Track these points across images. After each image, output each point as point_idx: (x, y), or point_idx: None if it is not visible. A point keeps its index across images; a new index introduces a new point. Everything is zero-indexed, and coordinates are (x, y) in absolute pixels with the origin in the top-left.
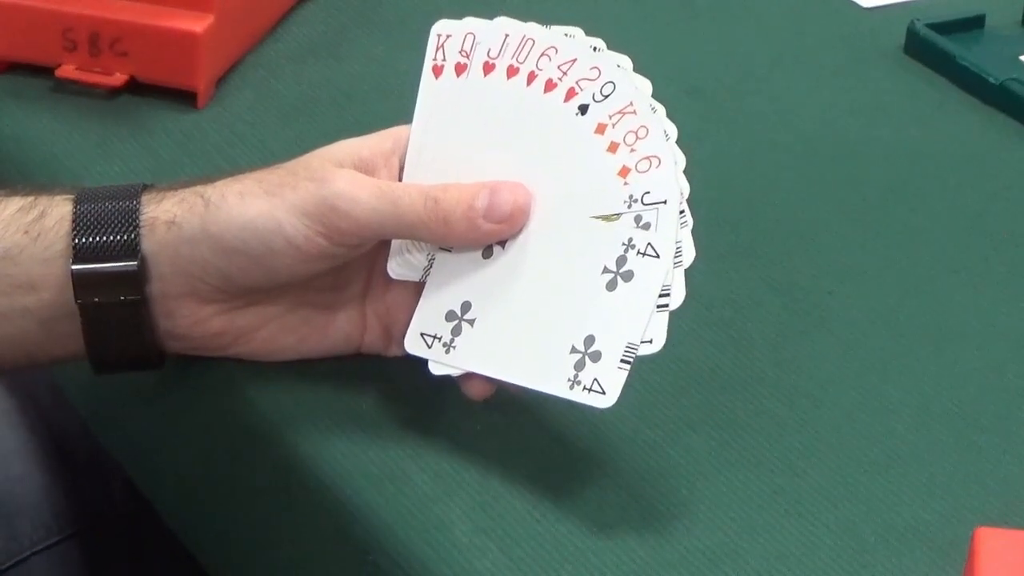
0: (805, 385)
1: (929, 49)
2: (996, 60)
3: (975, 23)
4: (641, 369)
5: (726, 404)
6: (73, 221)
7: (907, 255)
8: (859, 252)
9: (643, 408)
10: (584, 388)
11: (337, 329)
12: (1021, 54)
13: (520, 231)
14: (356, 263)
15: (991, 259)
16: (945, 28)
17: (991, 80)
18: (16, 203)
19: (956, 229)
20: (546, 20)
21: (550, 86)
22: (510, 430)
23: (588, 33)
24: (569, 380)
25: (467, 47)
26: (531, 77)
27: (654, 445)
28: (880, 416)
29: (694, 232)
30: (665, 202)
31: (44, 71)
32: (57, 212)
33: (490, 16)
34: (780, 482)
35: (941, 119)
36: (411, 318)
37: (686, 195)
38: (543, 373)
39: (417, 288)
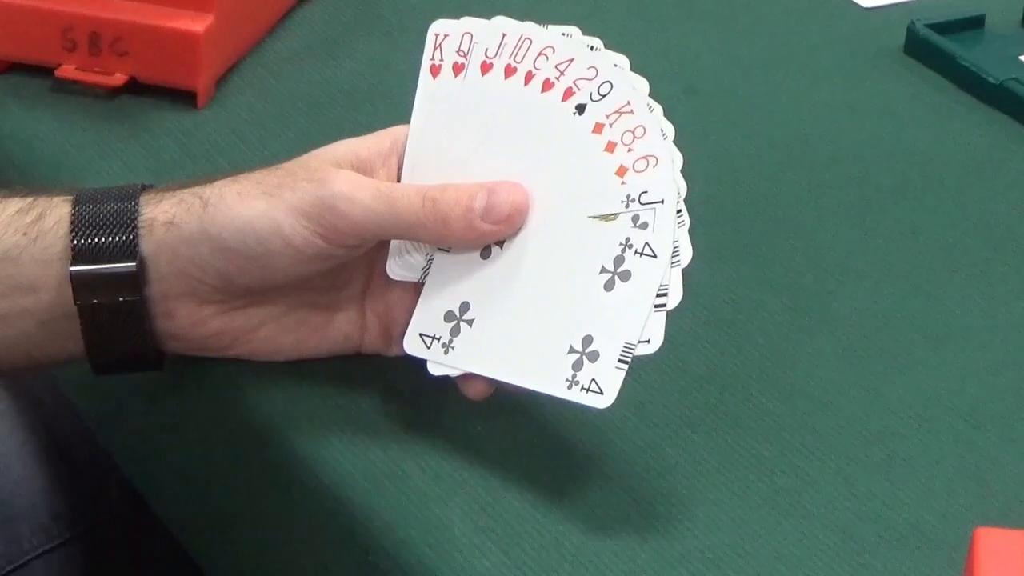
0: (805, 385)
1: (929, 49)
2: (996, 60)
3: (975, 23)
4: (641, 369)
5: (726, 404)
6: (72, 222)
7: (907, 255)
8: (859, 252)
9: (643, 408)
10: (582, 388)
11: (336, 329)
12: (1021, 54)
13: (518, 231)
14: (355, 263)
15: (991, 259)
16: (945, 28)
17: (991, 80)
18: (15, 204)
19: (956, 229)
20: (544, 19)
21: (547, 85)
22: (510, 430)
23: (585, 32)
24: (567, 380)
25: (464, 47)
26: (529, 77)
27: (654, 445)
28: (880, 416)
29: (693, 232)
30: (662, 202)
31: (44, 71)
32: (56, 213)
33: (488, 16)
34: (780, 482)
35: (941, 119)
36: (410, 318)
37: (683, 195)
38: (541, 373)
39: (416, 288)
